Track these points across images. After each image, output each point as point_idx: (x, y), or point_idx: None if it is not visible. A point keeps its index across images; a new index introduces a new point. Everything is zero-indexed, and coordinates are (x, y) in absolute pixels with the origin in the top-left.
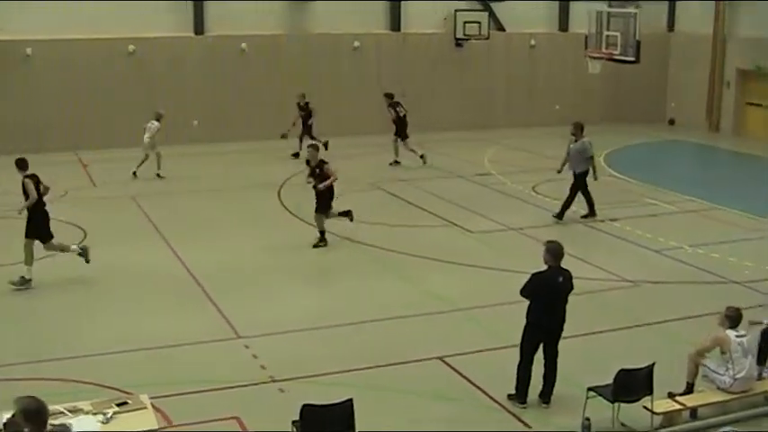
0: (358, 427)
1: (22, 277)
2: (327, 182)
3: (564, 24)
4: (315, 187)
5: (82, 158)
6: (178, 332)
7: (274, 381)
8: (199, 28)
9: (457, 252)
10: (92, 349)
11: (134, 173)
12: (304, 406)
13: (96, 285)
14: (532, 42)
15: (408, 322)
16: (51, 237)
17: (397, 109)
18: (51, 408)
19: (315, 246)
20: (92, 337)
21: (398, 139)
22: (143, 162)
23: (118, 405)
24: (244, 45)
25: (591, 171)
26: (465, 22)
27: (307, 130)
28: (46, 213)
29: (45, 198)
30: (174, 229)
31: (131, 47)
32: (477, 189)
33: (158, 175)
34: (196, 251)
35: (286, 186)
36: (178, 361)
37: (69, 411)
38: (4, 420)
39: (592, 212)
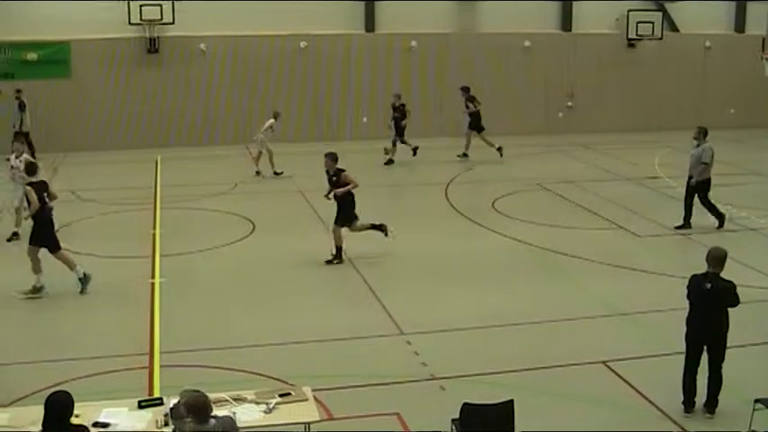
0: (517, 428)
1: (34, 286)
2: (346, 188)
3: (740, 26)
4: (329, 195)
5: (252, 152)
6: (341, 326)
7: (435, 378)
8: (369, 25)
9: (623, 256)
10: (256, 340)
11: (257, 172)
12: (464, 405)
13: (263, 277)
14: (707, 44)
15: (572, 325)
16: (59, 247)
17: (474, 103)
18: (216, 396)
19: (327, 262)
20: (255, 328)
21: (473, 132)
22: (257, 159)
23: (280, 396)
24: (413, 43)
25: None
26: (638, 23)
27: (400, 132)
28: (51, 221)
29: (51, 204)
30: None
31: (303, 43)
32: (646, 192)
33: (275, 173)
34: (363, 246)
35: (452, 185)
36: (341, 354)
37: (233, 400)
38: (171, 405)
39: (685, 224)
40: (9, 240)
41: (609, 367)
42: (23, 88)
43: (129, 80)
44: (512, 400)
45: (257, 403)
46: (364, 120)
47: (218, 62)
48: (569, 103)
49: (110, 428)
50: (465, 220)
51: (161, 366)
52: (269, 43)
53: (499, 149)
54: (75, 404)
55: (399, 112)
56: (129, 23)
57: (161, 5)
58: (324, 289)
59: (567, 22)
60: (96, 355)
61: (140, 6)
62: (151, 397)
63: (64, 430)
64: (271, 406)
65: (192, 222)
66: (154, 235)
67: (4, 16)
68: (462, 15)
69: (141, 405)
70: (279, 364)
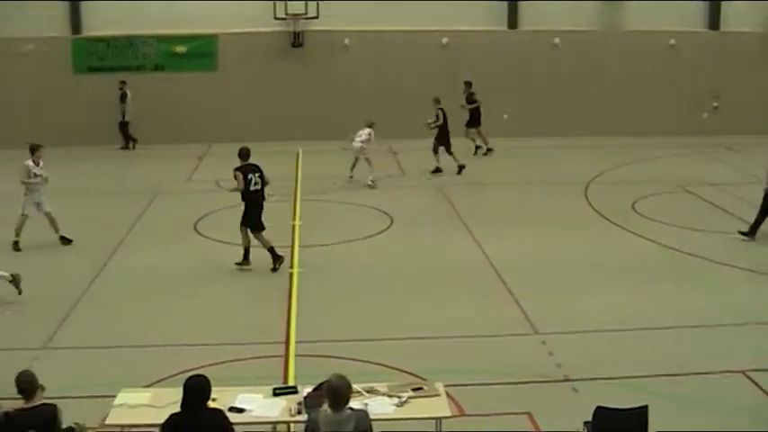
0: None
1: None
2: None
3: None
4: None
5: (392, 147)
6: (475, 322)
7: (569, 380)
8: (512, 22)
9: (763, 262)
10: (390, 333)
11: (350, 177)
12: (597, 408)
13: (399, 271)
14: None
15: (710, 331)
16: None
17: (476, 98)
18: None
19: (236, 264)
20: (390, 321)
21: (474, 129)
22: (354, 165)
23: (413, 390)
24: (557, 40)
25: None
26: None
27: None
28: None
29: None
30: (479, 221)
31: (445, 39)
32: None
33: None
34: (499, 243)
35: (593, 185)
36: (475, 351)
37: (366, 392)
38: (305, 394)
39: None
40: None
41: (749, 377)
42: (171, 80)
43: (272, 74)
44: (646, 406)
45: (390, 396)
46: (505, 117)
47: (361, 57)
48: (715, 104)
49: (245, 414)
50: (604, 221)
51: (296, 356)
52: (411, 39)
53: (488, 150)
54: (213, 388)
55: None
56: (275, 18)
57: (306, 0)
58: (460, 285)
59: (714, 21)
60: (234, 341)
61: (286, 1)
62: (286, 385)
63: (201, 413)
64: (403, 399)
65: (332, 214)
66: (293, 226)
67: (156, 9)
68: (606, 13)
69: (276, 393)
70: (413, 358)
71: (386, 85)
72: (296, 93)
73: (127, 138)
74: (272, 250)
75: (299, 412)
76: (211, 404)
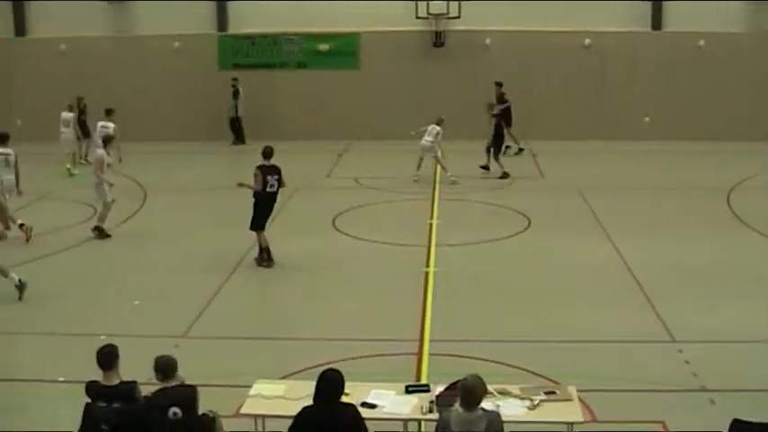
0: None
1: None
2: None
3: None
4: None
5: (533, 148)
6: (611, 328)
7: (705, 390)
8: (656, 23)
9: None
10: (525, 335)
11: (416, 178)
12: (734, 420)
13: (535, 274)
14: None
15: None
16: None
17: (506, 98)
18: None
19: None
20: (525, 324)
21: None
22: (419, 164)
23: (546, 393)
24: (701, 42)
25: None
26: None
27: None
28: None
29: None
30: (618, 225)
31: (587, 40)
32: None
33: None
34: (638, 249)
35: (736, 191)
36: (608, 356)
37: (498, 393)
38: (437, 392)
39: None
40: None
41: None
42: (313, 77)
43: (413, 73)
44: None
45: (522, 398)
46: (646, 119)
47: (501, 57)
48: None
49: (377, 409)
50: (747, 229)
51: (430, 354)
52: (553, 39)
53: (519, 149)
54: (346, 383)
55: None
56: (416, 17)
57: (448, 0)
58: (596, 289)
59: None
60: (368, 337)
61: (428, 0)
62: (418, 383)
63: (334, 406)
64: (535, 402)
65: (469, 215)
66: (431, 225)
67: (300, 7)
68: (754, 15)
69: (409, 390)
70: (546, 361)
71: (527, 86)
72: (436, 92)
73: (237, 133)
74: (267, 250)
75: (431, 411)
76: (344, 399)
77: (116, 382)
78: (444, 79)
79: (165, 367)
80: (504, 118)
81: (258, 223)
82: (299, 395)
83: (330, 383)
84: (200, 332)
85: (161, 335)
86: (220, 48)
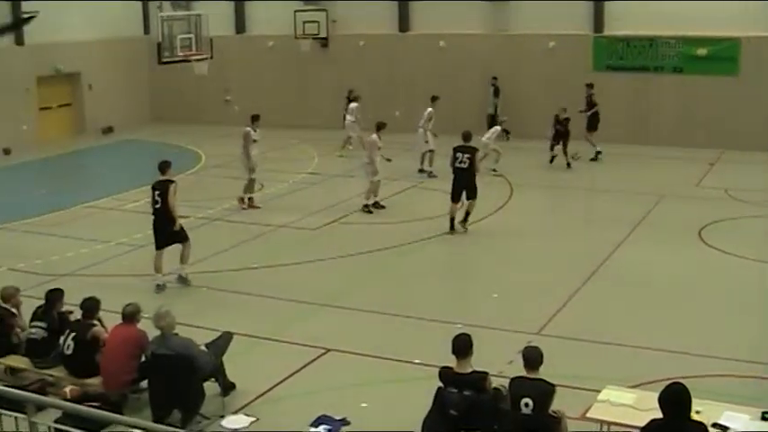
0: None
1: None
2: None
3: None
4: None
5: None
6: None
7: None
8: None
9: None
10: None
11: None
12: None
13: None
14: None
15: None
16: None
17: (595, 100)
18: None
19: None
20: None
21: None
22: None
23: None
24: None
25: None
26: None
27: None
28: None
29: None
30: None
31: None
32: None
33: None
34: None
35: None
36: None
37: None
38: None
39: None
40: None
41: None
42: (688, 83)
43: None
44: None
45: None
46: None
47: None
48: None
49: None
50: None
51: None
52: None
53: (597, 153)
54: (697, 400)
55: (563, 126)
56: None
57: None
58: None
59: None
60: (723, 355)
61: None
62: None
63: (683, 423)
64: None
65: None
66: None
67: (677, 10)
68: None
69: (765, 417)
70: None
71: None
72: None
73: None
74: (452, 220)
75: None
76: (695, 417)
77: (469, 370)
78: None
79: (532, 358)
80: (591, 121)
81: (452, 196)
82: (647, 406)
83: (677, 398)
84: (554, 331)
85: (516, 329)
86: (595, 49)
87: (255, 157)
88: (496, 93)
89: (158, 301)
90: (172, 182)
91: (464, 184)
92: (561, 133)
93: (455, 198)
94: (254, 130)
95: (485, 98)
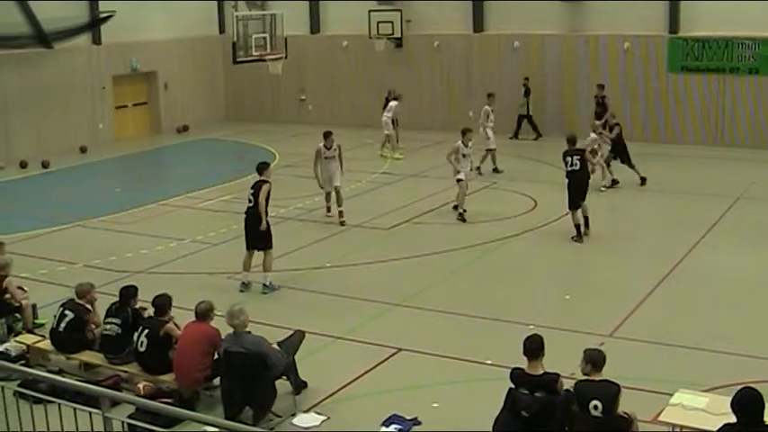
0: None
1: None
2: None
3: None
4: None
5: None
6: None
7: None
8: None
9: None
10: None
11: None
12: None
13: None
14: None
15: None
16: None
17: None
18: None
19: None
20: None
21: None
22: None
23: None
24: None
25: None
26: None
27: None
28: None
29: None
30: None
31: None
32: None
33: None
34: None
35: None
36: None
37: None
38: None
39: None
40: None
41: None
42: (766, 85)
43: None
44: None
45: None
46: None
47: None
48: None
49: None
50: None
51: None
52: None
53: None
54: None
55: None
56: None
57: None
58: None
59: None
60: None
61: None
62: None
63: (759, 428)
64: None
65: None
66: None
67: (755, 10)
68: None
69: None
70: None
71: None
72: None
73: (534, 128)
74: (578, 226)
75: None
76: None
77: (540, 372)
78: None
79: (596, 359)
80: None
81: (570, 203)
82: (721, 410)
83: (750, 403)
84: (627, 333)
85: (588, 332)
86: (670, 50)
87: (325, 174)
88: (527, 93)
89: (233, 299)
90: (266, 182)
91: (579, 186)
92: (616, 144)
93: (573, 204)
94: (327, 148)
95: (562, 99)
